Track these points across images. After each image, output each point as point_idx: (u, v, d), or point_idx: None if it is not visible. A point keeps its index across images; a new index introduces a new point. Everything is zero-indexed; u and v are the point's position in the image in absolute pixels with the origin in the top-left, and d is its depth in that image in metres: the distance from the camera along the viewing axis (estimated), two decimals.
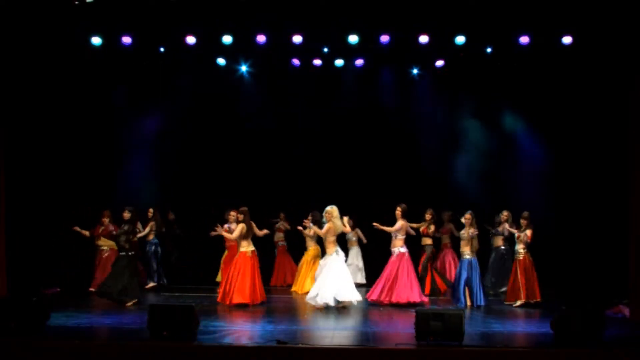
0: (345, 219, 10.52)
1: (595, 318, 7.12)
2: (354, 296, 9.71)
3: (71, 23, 10.26)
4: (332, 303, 9.59)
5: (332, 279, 9.63)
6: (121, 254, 9.94)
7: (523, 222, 10.11)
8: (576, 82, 11.24)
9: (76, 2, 9.83)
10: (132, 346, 6.91)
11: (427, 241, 11.09)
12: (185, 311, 7.18)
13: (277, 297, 11.16)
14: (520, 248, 10.09)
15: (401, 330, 7.98)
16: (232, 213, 10.74)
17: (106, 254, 11.36)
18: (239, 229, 9.96)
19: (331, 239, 9.87)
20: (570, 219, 11.47)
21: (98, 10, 10.06)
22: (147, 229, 11.38)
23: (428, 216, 10.97)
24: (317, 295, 9.64)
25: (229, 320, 8.78)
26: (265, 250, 12.42)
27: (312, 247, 11.40)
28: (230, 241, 10.96)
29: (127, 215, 10.02)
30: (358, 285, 11.96)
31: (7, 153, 10.07)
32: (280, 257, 12.53)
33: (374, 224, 10.20)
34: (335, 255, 9.83)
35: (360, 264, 12.33)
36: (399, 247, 10.11)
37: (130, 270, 9.90)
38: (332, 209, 9.84)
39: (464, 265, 10.03)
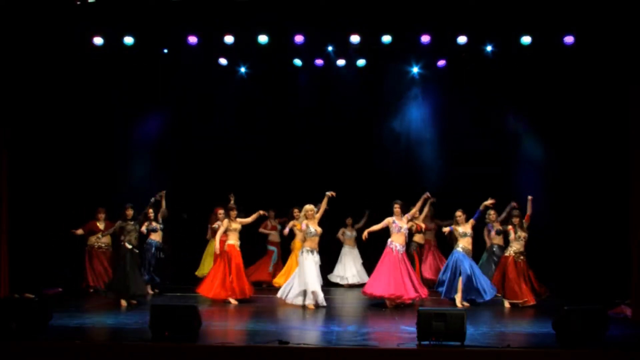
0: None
1: (597, 318, 7.13)
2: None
3: (73, 23, 10.25)
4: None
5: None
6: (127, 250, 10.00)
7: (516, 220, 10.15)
8: (578, 82, 11.22)
9: (78, 2, 9.83)
10: (134, 346, 6.90)
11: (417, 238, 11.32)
12: (187, 311, 7.17)
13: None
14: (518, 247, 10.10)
15: (403, 330, 7.98)
16: (220, 211, 10.94)
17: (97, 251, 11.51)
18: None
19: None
20: (572, 219, 11.45)
21: (100, 10, 10.06)
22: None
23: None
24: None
25: (230, 320, 8.77)
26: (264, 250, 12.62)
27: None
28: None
29: (130, 212, 10.05)
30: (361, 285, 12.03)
31: (11, 153, 10.07)
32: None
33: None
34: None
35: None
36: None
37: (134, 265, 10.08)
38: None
39: (463, 262, 10.01)
